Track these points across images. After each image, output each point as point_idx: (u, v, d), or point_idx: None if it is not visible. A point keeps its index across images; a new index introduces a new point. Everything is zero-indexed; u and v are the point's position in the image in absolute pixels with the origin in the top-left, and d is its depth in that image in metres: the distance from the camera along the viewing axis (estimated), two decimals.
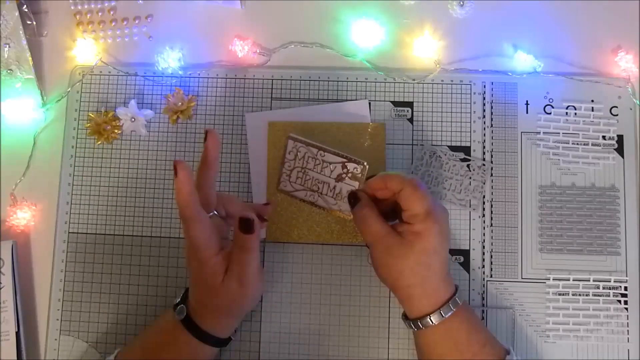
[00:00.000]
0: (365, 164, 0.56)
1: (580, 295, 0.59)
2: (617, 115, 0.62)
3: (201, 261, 0.51)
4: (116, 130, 0.63)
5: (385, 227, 0.53)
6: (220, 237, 0.53)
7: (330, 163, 0.57)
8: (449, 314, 0.51)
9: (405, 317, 0.55)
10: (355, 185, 0.56)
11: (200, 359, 0.54)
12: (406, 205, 0.52)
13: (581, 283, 0.59)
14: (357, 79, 0.63)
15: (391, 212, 0.54)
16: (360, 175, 0.56)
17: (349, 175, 0.56)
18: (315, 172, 0.57)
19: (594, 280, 0.59)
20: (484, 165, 0.61)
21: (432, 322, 0.51)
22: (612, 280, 0.59)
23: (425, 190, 0.52)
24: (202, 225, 0.50)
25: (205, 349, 0.53)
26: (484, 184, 0.61)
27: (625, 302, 0.59)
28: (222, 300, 0.52)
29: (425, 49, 0.63)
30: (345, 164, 0.56)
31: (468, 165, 0.61)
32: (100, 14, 0.66)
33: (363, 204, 0.54)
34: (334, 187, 0.57)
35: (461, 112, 0.62)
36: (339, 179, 0.57)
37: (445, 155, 0.62)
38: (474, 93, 0.63)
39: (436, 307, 0.51)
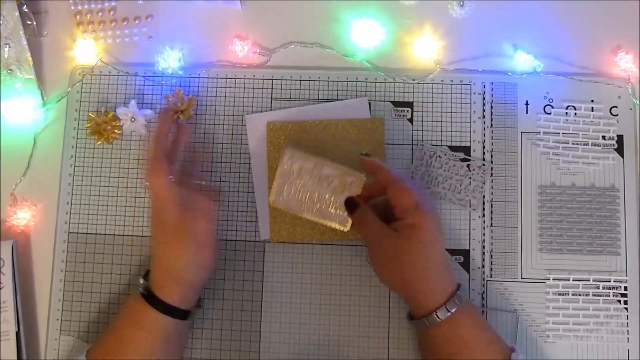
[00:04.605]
0: (364, 176, 0.56)
1: (580, 295, 0.59)
2: (617, 115, 0.62)
3: (166, 208, 0.53)
4: (116, 130, 0.63)
5: (383, 227, 0.54)
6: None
7: (328, 176, 0.56)
8: (455, 308, 0.51)
9: (410, 317, 0.56)
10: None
11: (162, 334, 0.53)
12: (395, 200, 0.53)
13: (581, 283, 0.59)
14: (357, 79, 0.63)
15: (384, 218, 0.55)
16: (358, 188, 0.56)
17: (347, 188, 0.56)
18: (311, 186, 0.57)
19: (593, 280, 0.59)
20: (484, 165, 0.61)
21: (439, 318, 0.51)
22: (612, 280, 0.59)
23: (411, 185, 0.54)
24: (167, 175, 0.54)
25: (164, 321, 0.53)
26: (484, 184, 0.61)
27: (625, 302, 0.59)
28: (180, 263, 0.53)
29: (425, 49, 0.63)
30: (344, 176, 0.56)
31: (468, 165, 0.61)
32: (100, 14, 0.66)
33: (361, 209, 0.55)
34: (332, 200, 0.57)
35: (461, 112, 0.62)
36: (336, 191, 0.56)
37: (445, 155, 0.62)
38: (474, 93, 0.63)
39: (442, 301, 0.52)
